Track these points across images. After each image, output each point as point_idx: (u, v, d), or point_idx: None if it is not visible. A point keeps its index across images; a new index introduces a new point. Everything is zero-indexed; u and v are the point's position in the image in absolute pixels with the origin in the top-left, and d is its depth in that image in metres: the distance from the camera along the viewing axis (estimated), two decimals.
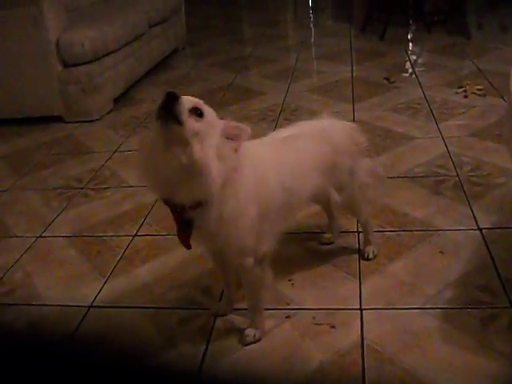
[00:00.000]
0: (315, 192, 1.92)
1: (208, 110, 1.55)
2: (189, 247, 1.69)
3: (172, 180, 1.53)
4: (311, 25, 7.38)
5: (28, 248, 2.56)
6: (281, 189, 1.76)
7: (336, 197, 1.99)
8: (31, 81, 4.03)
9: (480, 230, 2.32)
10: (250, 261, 1.73)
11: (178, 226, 1.66)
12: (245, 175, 1.63)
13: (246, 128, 1.58)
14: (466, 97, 3.81)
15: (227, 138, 1.56)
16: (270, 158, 1.78)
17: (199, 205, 1.57)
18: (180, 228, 1.65)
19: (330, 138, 1.95)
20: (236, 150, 1.57)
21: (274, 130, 3.46)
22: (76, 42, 3.90)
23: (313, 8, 8.89)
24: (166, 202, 1.61)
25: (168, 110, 1.45)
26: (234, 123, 1.60)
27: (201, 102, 1.56)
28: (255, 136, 1.73)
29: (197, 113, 1.50)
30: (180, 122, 1.45)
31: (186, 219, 1.61)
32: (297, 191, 1.84)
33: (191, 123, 1.47)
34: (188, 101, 1.50)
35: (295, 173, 1.83)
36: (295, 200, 1.86)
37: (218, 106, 4.11)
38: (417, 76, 4.45)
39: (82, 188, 3.11)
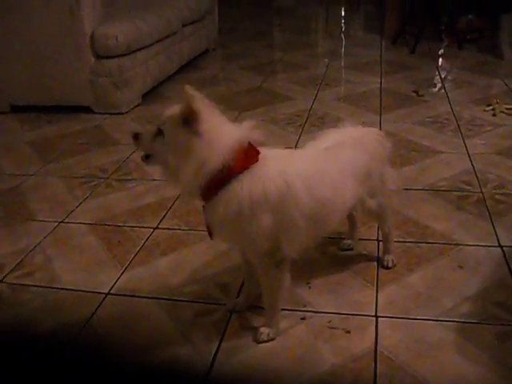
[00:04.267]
0: (354, 202, 1.93)
1: (170, 127, 1.62)
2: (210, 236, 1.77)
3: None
4: (342, 35, 7.38)
5: (49, 233, 2.59)
6: (310, 199, 1.71)
7: (371, 204, 2.00)
8: (64, 70, 4.08)
9: (501, 247, 2.30)
10: (267, 262, 1.74)
11: None
12: (261, 184, 1.62)
13: (189, 92, 1.55)
14: (494, 115, 3.79)
15: (187, 124, 1.57)
16: (305, 169, 1.74)
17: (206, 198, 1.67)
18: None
19: (366, 145, 1.96)
20: (197, 129, 1.56)
21: (300, 134, 3.46)
22: (110, 34, 3.96)
23: (344, 18, 8.90)
24: None
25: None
26: (176, 107, 1.63)
27: (171, 113, 1.63)
28: (281, 139, 1.73)
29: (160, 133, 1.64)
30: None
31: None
32: (336, 202, 1.83)
33: (152, 149, 1.69)
34: (158, 123, 1.65)
35: (337, 184, 1.81)
36: (331, 211, 1.84)
37: (244, 108, 4.14)
38: (446, 91, 4.43)
39: (107, 178, 3.14)
